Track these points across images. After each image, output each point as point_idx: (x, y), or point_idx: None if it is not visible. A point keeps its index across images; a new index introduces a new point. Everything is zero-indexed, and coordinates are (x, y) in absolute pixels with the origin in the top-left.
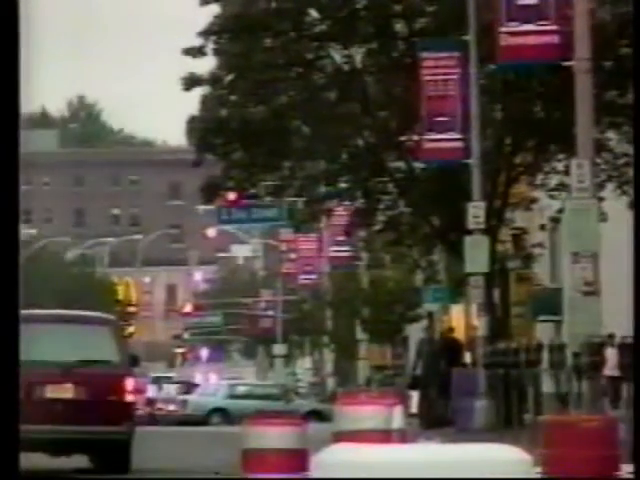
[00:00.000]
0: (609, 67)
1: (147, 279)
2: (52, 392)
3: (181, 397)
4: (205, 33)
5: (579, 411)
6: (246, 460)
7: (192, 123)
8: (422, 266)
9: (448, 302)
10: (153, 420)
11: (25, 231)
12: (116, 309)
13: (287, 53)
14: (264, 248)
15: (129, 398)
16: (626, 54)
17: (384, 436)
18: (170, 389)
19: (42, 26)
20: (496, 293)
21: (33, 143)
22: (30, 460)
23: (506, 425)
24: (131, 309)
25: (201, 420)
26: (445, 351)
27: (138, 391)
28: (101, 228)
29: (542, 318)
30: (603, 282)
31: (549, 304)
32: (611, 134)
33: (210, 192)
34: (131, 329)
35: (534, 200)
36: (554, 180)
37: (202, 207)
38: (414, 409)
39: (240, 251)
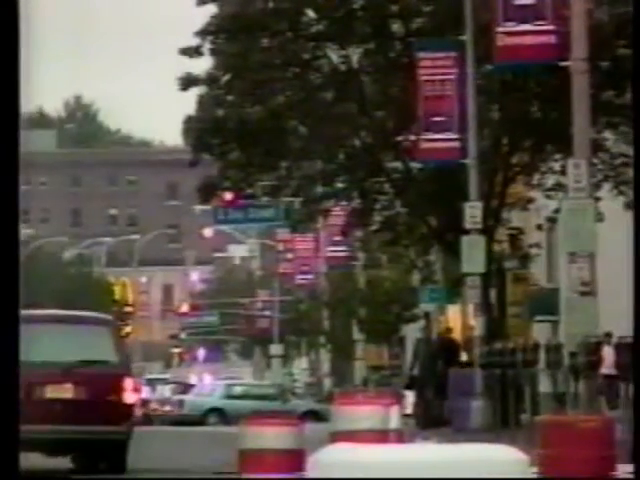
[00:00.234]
0: (606, 67)
1: (144, 279)
2: (52, 392)
3: (177, 397)
4: (202, 33)
5: (576, 411)
6: (243, 460)
7: (189, 123)
8: (419, 266)
9: (445, 302)
10: (147, 420)
11: (22, 231)
12: (113, 309)
13: (284, 53)
14: (261, 248)
15: (128, 398)
16: (623, 54)
17: (381, 436)
18: (164, 390)
19: (40, 26)
20: (493, 293)
21: (31, 143)
22: (29, 460)
23: (503, 425)
24: (128, 309)
25: (198, 420)
26: (442, 351)
27: (137, 391)
28: (98, 228)
29: (539, 318)
30: (600, 282)
31: (546, 304)
32: (608, 134)
33: (207, 192)
34: (128, 329)
35: (531, 200)
36: (551, 180)
37: (199, 207)
38: (409, 410)
39: (237, 251)
